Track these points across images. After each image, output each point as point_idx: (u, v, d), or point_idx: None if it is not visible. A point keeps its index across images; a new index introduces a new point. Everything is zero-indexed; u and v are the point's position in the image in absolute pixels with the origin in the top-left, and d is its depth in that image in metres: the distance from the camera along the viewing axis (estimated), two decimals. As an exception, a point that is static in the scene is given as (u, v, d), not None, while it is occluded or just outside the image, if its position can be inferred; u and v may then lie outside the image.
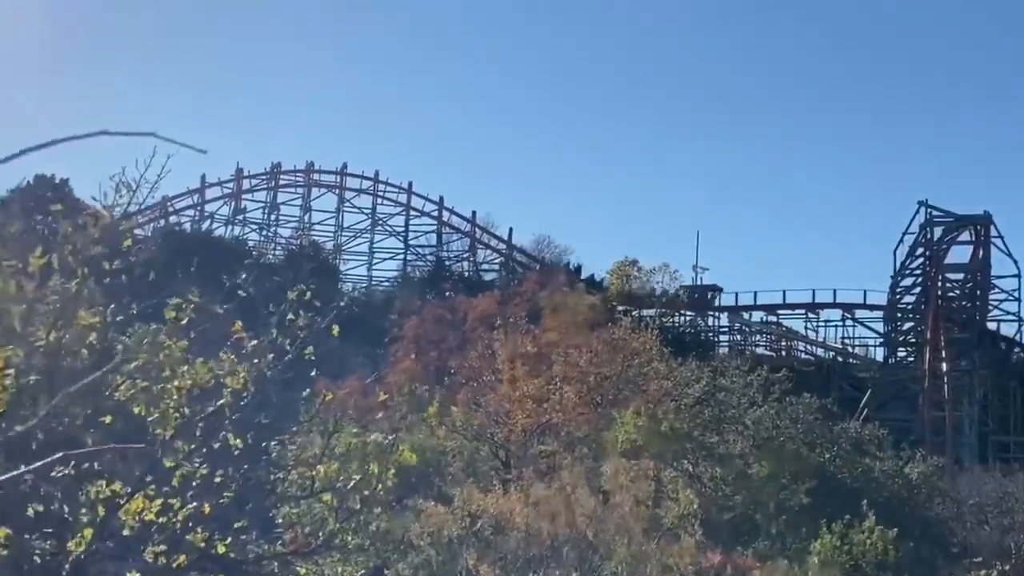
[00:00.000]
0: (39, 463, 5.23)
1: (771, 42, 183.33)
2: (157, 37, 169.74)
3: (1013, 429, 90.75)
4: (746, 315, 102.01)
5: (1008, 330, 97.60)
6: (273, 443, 13.60)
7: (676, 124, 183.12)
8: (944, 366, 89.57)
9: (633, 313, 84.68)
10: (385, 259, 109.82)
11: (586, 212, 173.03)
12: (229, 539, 10.57)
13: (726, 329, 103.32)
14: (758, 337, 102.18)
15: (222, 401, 10.67)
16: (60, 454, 5.01)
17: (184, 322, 10.75)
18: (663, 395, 55.11)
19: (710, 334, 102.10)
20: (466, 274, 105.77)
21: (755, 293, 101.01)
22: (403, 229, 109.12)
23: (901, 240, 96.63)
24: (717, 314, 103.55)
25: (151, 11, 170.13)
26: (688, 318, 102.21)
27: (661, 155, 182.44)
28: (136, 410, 10.33)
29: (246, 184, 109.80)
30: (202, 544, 10.12)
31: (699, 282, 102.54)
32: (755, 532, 43.63)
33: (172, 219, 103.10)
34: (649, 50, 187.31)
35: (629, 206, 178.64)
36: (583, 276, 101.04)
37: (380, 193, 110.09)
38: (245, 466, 11.27)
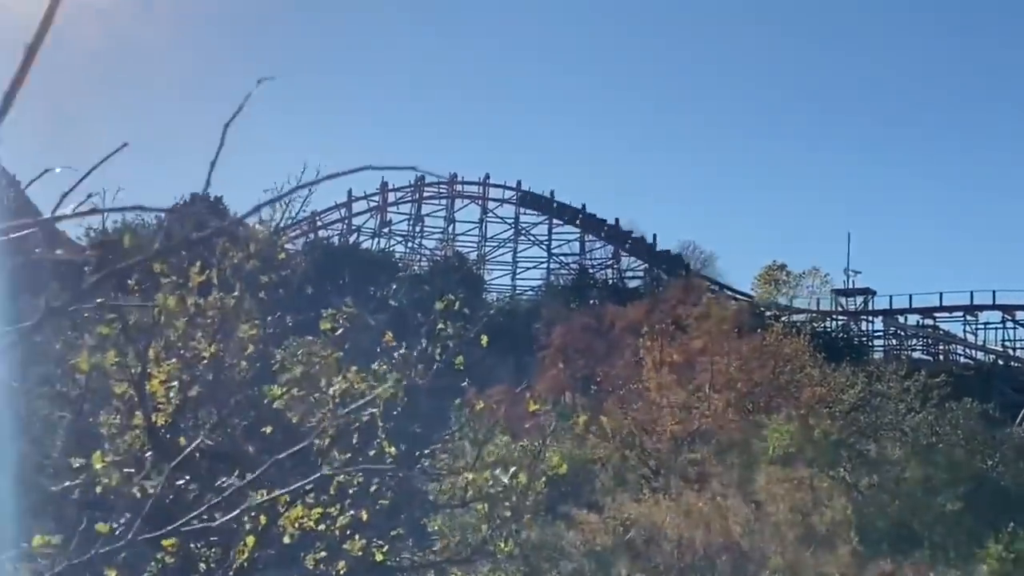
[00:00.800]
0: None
1: (920, 41, 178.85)
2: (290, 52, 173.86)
3: None
4: (901, 319, 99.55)
5: None
6: (425, 452, 13.80)
7: (825, 124, 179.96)
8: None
9: (783, 318, 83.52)
10: (529, 268, 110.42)
11: (731, 217, 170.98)
12: (386, 547, 10.75)
13: (880, 333, 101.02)
14: (914, 341, 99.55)
15: (375, 410, 10.85)
16: (317, 475, 5.16)
17: (338, 333, 10.99)
18: (816, 401, 54.26)
19: (864, 339, 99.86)
20: (610, 282, 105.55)
21: (910, 296, 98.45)
22: (546, 238, 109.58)
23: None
24: (871, 318, 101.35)
25: (283, 24, 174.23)
26: (840, 322, 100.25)
27: (809, 156, 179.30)
28: (294, 419, 10.60)
29: (391, 197, 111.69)
30: (360, 552, 10.31)
31: (851, 286, 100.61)
32: (913, 540, 42.52)
33: (321, 233, 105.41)
34: (791, 50, 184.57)
35: (777, 207, 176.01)
36: (729, 281, 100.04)
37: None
38: (400, 475, 11.45)
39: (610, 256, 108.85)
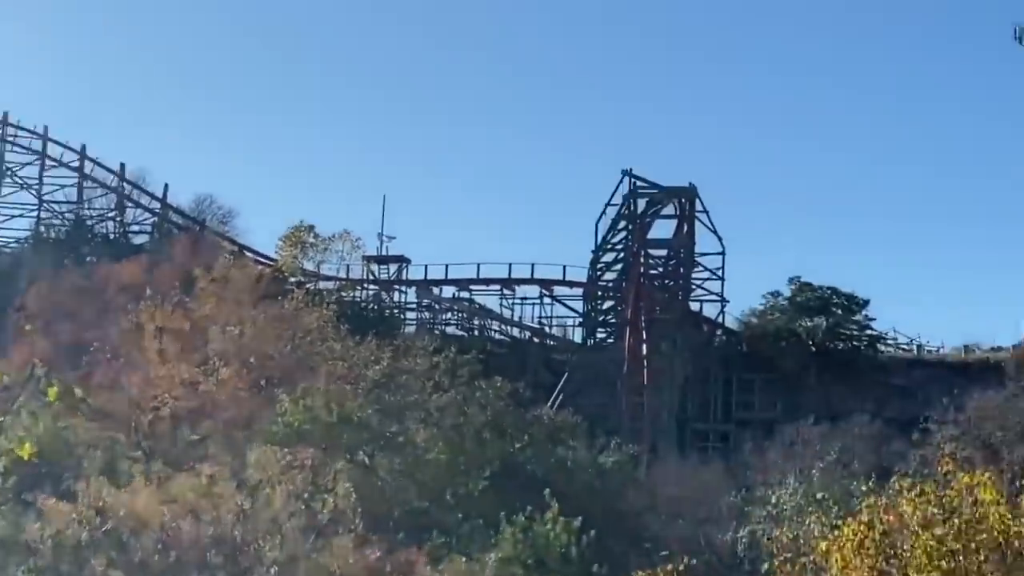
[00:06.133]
0: None
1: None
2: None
3: (712, 417, 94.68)
4: (436, 290, 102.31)
5: (711, 311, 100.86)
6: None
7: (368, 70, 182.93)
8: (644, 348, 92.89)
9: (308, 286, 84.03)
10: (14, 216, 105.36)
11: (259, 173, 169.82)
12: None
13: (414, 305, 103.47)
14: (449, 315, 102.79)
15: None
16: None
17: None
18: (337, 377, 55.12)
19: (396, 311, 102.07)
20: (112, 236, 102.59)
21: (447, 266, 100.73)
22: (36, 181, 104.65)
23: (604, 212, 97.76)
24: (404, 288, 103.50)
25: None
26: (371, 292, 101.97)
27: (342, 106, 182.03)
28: None
29: None
30: None
31: (384, 252, 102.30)
32: (433, 526, 44.22)
33: None
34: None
35: (303, 161, 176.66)
36: (251, 242, 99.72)
37: (10, 138, 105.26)
38: None
39: (112, 206, 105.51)
